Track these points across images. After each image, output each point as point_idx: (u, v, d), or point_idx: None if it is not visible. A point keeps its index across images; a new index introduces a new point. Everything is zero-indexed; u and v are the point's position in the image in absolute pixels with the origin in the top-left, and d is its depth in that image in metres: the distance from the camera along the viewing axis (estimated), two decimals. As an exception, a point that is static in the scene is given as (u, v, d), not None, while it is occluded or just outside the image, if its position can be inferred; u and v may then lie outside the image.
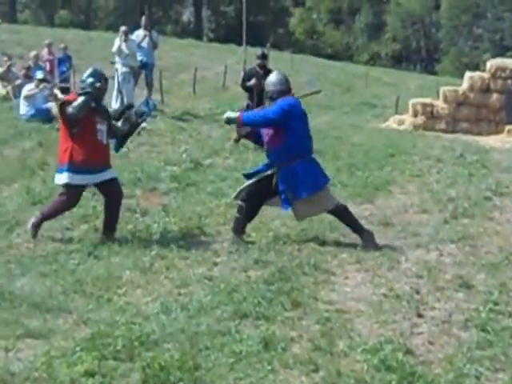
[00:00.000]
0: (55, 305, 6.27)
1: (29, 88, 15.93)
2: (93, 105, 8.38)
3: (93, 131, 8.37)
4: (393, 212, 9.90)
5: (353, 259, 7.83)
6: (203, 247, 8.33)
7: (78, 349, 5.29)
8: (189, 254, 8.00)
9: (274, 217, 9.46)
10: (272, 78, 8.69)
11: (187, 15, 56.02)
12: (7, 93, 17.68)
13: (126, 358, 5.26)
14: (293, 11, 56.45)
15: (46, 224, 8.75)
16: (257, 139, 8.95)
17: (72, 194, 8.44)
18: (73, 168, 8.30)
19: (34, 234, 8.34)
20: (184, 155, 13.38)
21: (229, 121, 8.68)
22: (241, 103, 16.41)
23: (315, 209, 8.48)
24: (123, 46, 17.13)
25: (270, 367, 5.20)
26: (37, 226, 8.38)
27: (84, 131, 8.31)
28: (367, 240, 8.29)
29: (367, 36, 55.90)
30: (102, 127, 8.48)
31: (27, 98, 15.75)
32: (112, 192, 8.56)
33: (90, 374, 4.96)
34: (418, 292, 6.85)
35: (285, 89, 8.58)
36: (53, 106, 16.23)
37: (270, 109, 8.50)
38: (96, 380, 4.94)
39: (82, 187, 8.54)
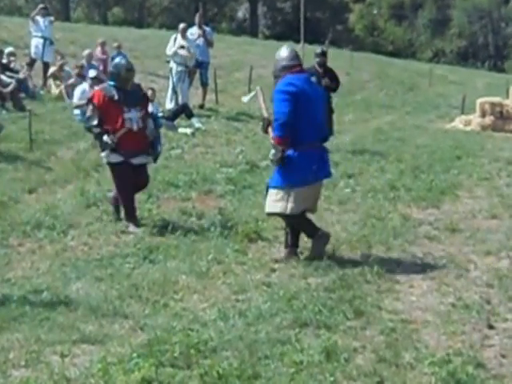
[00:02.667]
0: (111, 309, 6.35)
1: (81, 89, 16.12)
2: (115, 97, 8.99)
3: (120, 121, 8.97)
4: (460, 217, 9.79)
5: (418, 267, 7.77)
6: (260, 252, 8.35)
7: (134, 355, 5.34)
8: (246, 259, 8.04)
9: (335, 222, 9.44)
10: (276, 54, 8.12)
11: (242, 12, 56.15)
12: (60, 92, 17.94)
13: (183, 365, 5.29)
14: (352, 7, 56.19)
15: (100, 227, 8.88)
16: None
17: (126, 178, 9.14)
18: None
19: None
20: (240, 157, 13.45)
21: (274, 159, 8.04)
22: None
23: (280, 207, 7.86)
24: (183, 43, 17.23)
25: (332, 378, 5.18)
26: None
27: (111, 123, 9.00)
28: (317, 246, 7.99)
29: (431, 32, 55.35)
30: (130, 115, 9.05)
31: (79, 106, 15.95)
32: (138, 177, 9.23)
33: (147, 381, 5.00)
34: (488, 302, 6.76)
35: (286, 65, 7.91)
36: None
37: (274, 106, 7.86)
38: (153, 388, 4.98)
39: (131, 170, 9.14)
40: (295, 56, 8.02)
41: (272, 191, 7.92)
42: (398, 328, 6.10)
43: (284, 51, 8.04)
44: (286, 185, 7.80)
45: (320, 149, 7.95)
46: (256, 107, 20.05)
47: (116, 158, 9.08)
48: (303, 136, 7.75)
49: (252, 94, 9.05)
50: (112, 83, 9.13)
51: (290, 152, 7.75)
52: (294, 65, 7.92)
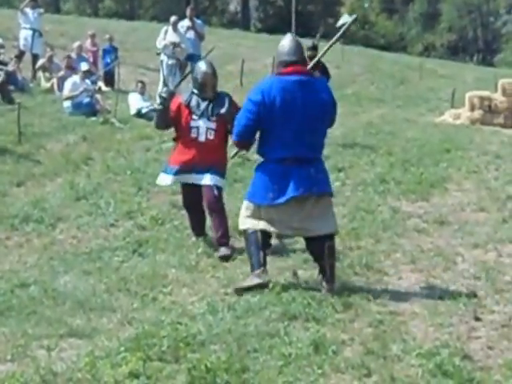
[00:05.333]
0: (99, 303, 6.32)
1: (72, 82, 16.07)
2: (185, 101, 8.21)
3: (186, 129, 8.17)
4: (449, 210, 9.78)
5: (407, 259, 7.76)
6: (250, 245, 8.32)
7: (122, 349, 5.31)
8: (235, 253, 8.01)
9: (324, 214, 9.41)
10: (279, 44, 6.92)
11: (234, 5, 56.05)
12: (52, 85, 17.86)
13: (171, 359, 5.26)
14: (343, 0, 56.21)
15: (89, 220, 8.85)
16: None
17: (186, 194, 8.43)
18: (167, 168, 8.36)
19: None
20: (231, 149, 13.38)
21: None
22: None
23: (249, 223, 6.99)
24: (173, 37, 17.18)
25: (320, 371, 5.16)
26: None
27: (180, 130, 8.26)
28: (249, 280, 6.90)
29: (421, 26, 55.40)
30: (196, 123, 8.16)
31: (69, 98, 15.89)
32: (204, 197, 8.28)
33: (134, 375, 4.97)
34: (475, 294, 6.75)
35: (282, 61, 6.76)
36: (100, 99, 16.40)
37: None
38: (140, 381, 4.94)
39: (192, 187, 8.26)
40: (296, 50, 6.77)
41: (243, 203, 7.14)
42: (386, 320, 6.09)
43: (285, 42, 6.82)
44: (250, 200, 6.97)
45: (295, 166, 6.68)
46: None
47: (174, 180, 8.39)
48: (269, 151, 6.76)
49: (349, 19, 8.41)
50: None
51: (260, 167, 6.94)
52: (291, 62, 6.70)
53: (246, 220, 6.94)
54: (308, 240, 7.01)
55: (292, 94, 6.62)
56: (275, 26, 43.93)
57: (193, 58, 18.26)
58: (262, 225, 6.84)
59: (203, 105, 8.20)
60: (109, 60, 20.26)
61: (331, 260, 6.83)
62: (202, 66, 8.34)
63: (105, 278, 7.04)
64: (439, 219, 9.24)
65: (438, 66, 33.78)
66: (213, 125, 8.17)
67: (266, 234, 6.93)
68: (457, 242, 8.41)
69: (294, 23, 21.43)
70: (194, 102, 8.19)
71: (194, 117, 8.16)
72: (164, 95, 8.19)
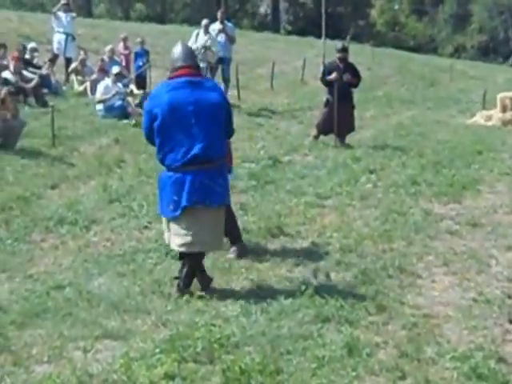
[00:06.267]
0: (133, 305, 6.35)
1: (104, 85, 16.16)
2: None
3: None
4: (481, 212, 9.70)
5: (440, 262, 7.72)
6: (283, 248, 8.34)
7: (157, 351, 5.34)
8: (268, 255, 8.01)
9: (357, 217, 9.41)
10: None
11: (264, 8, 56.04)
12: (85, 88, 17.97)
13: (205, 360, 5.29)
14: (374, 2, 55.96)
15: (122, 223, 8.89)
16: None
17: None
18: None
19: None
20: (262, 152, 13.43)
21: None
22: (320, 98, 16.37)
23: (166, 238, 6.96)
24: (204, 40, 17.25)
25: (354, 373, 5.16)
26: None
27: None
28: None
29: (451, 27, 54.99)
30: None
31: (101, 101, 15.99)
32: None
33: (169, 376, 5.00)
34: (509, 297, 6.71)
35: (174, 67, 6.74)
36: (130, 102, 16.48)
37: None
38: (176, 383, 4.98)
39: None
40: (186, 56, 6.74)
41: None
42: (419, 323, 6.07)
43: (176, 49, 6.80)
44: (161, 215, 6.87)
45: (190, 173, 6.54)
46: (278, 103, 20.08)
47: None
48: (167, 158, 6.60)
49: None
50: None
51: (159, 176, 6.86)
52: (180, 66, 6.69)
53: (170, 238, 6.83)
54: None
55: (181, 94, 6.57)
56: (305, 28, 43.91)
57: (223, 61, 18.33)
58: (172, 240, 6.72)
59: None
60: (140, 63, 20.34)
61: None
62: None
63: (138, 281, 7.06)
64: (472, 221, 9.17)
65: (468, 67, 33.57)
66: None
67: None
68: (490, 245, 8.34)
69: (324, 25, 21.40)
70: None
71: None
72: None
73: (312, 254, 8.05)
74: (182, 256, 6.88)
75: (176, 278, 6.86)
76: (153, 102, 6.69)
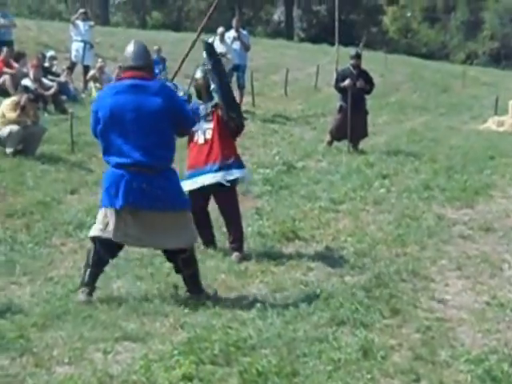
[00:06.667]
0: (152, 308, 6.36)
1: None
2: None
3: (192, 134, 8.13)
4: (494, 217, 9.70)
5: (453, 266, 7.72)
6: (298, 251, 8.37)
7: (175, 352, 5.35)
8: (283, 259, 8.03)
9: (370, 222, 9.42)
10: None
11: (278, 15, 56.07)
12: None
13: (223, 362, 5.30)
14: (386, 9, 55.92)
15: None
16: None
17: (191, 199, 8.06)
18: (186, 175, 8.26)
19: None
20: (276, 158, 13.45)
21: None
22: (333, 104, 16.38)
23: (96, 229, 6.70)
24: (220, 47, 17.30)
25: (369, 376, 5.16)
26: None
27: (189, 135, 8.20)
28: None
29: (463, 34, 54.86)
30: (197, 127, 8.03)
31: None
32: (217, 197, 8.28)
33: (188, 378, 5.01)
34: (522, 300, 6.70)
35: (123, 66, 6.79)
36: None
37: None
38: (194, 384, 5.00)
39: (197, 191, 8.12)
40: (137, 56, 6.56)
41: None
42: (433, 326, 6.08)
43: (129, 48, 6.64)
44: (100, 206, 6.71)
45: (130, 174, 6.41)
46: (292, 109, 20.10)
47: (190, 186, 8.17)
48: (113, 155, 6.48)
49: None
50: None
51: (107, 172, 6.66)
52: (129, 67, 6.57)
53: (94, 227, 6.66)
54: (164, 252, 6.89)
55: (123, 97, 6.43)
56: (318, 35, 43.90)
57: (238, 68, 18.36)
58: (107, 233, 6.50)
59: (201, 108, 8.25)
60: (157, 70, 20.40)
61: (189, 271, 6.75)
62: (196, 73, 8.41)
63: (156, 284, 7.08)
64: (484, 226, 9.17)
65: (480, 73, 33.47)
66: (210, 124, 8.16)
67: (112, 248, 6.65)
68: (503, 249, 8.34)
69: (337, 32, 21.40)
70: (195, 107, 8.22)
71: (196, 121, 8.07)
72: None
73: (326, 258, 8.08)
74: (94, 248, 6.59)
75: (176, 286, 6.83)
76: (98, 104, 6.61)
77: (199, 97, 8.35)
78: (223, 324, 5.97)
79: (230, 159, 8.16)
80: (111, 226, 6.48)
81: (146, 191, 6.41)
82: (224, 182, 8.06)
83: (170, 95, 6.60)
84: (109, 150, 6.51)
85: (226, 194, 8.18)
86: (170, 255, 6.80)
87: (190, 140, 8.29)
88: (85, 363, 5.26)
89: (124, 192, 6.39)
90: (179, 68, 8.11)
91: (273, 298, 6.83)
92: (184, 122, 6.74)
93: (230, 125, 8.15)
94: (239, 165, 8.30)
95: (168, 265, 7.68)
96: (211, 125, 8.18)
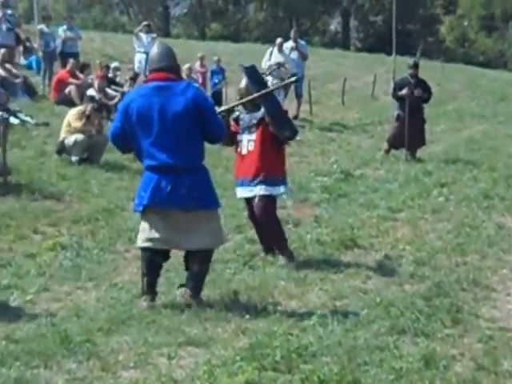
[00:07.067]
0: (213, 313, 6.35)
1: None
2: (234, 115, 8.19)
3: (236, 143, 8.20)
4: (555, 226, 9.50)
5: (514, 275, 7.57)
6: (356, 259, 8.30)
7: (237, 358, 5.32)
8: (342, 266, 7.97)
9: (429, 230, 9.31)
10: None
11: (334, 25, 55.99)
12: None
13: (284, 369, 5.25)
14: (443, 19, 55.39)
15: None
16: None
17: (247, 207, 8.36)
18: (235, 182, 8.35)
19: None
20: (334, 166, 13.39)
21: None
22: (390, 113, 16.27)
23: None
24: (278, 57, 17.35)
25: (431, 385, 5.07)
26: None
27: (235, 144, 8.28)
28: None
29: (521, 43, 54.08)
30: (240, 137, 8.11)
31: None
32: (252, 210, 8.20)
33: (250, 384, 4.99)
34: None
35: (150, 69, 6.71)
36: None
37: None
38: (256, 391, 4.97)
39: (246, 200, 8.24)
40: (161, 57, 6.57)
41: None
42: (495, 336, 5.95)
43: (153, 50, 6.72)
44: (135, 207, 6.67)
45: (159, 174, 6.40)
46: (349, 117, 20.00)
47: (237, 194, 8.41)
48: (143, 157, 6.50)
49: None
50: None
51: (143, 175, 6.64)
52: (155, 69, 6.55)
53: (138, 236, 6.67)
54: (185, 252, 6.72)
55: (148, 99, 6.38)
56: (375, 45, 43.70)
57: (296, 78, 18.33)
58: (139, 237, 6.57)
59: (246, 118, 8.15)
60: (216, 80, 20.54)
61: (199, 266, 6.60)
62: (241, 82, 8.27)
63: (218, 290, 7.07)
64: (545, 235, 8.98)
65: (538, 81, 32.86)
66: (253, 136, 8.02)
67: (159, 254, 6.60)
68: None
69: (395, 42, 21.27)
70: (240, 117, 8.17)
71: (240, 131, 8.11)
72: (223, 113, 7.81)
73: (385, 266, 8.00)
74: (143, 256, 6.62)
75: (181, 285, 6.70)
76: (124, 105, 6.53)
77: (244, 105, 8.20)
78: (284, 330, 5.92)
79: (271, 174, 8.00)
80: (144, 234, 6.51)
81: (175, 191, 6.36)
82: (260, 198, 7.96)
83: (195, 95, 6.46)
84: (141, 153, 6.49)
85: (262, 207, 8.02)
86: (188, 255, 6.67)
87: (236, 148, 8.25)
88: (149, 368, 5.26)
89: (151, 192, 6.37)
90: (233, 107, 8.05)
91: (332, 305, 6.77)
92: (210, 126, 6.55)
93: (281, 138, 8.05)
94: (280, 181, 8.13)
95: (229, 271, 7.71)
96: (254, 136, 8.05)
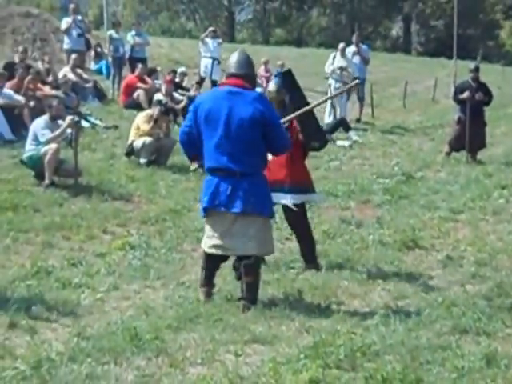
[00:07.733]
0: (278, 312, 6.35)
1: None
2: None
3: None
4: None
5: None
6: (418, 260, 8.22)
7: (301, 356, 5.32)
8: (404, 267, 7.91)
9: (490, 232, 9.18)
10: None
11: (396, 30, 55.52)
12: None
13: (348, 367, 5.23)
14: (503, 24, 54.48)
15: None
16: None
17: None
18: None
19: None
20: (395, 168, 13.29)
21: None
22: (450, 116, 16.08)
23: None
24: (341, 62, 17.30)
25: (493, 384, 4.99)
26: None
27: None
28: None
29: None
30: None
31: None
32: (289, 218, 8.06)
33: (314, 381, 4.95)
34: None
35: (226, 74, 6.72)
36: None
37: None
38: (320, 388, 4.95)
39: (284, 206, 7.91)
40: (239, 64, 6.51)
41: None
42: (558, 337, 5.83)
43: (232, 56, 6.62)
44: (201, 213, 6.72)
45: (219, 177, 6.40)
46: (410, 120, 19.79)
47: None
48: (205, 159, 6.50)
49: None
50: None
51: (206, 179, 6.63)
52: (230, 75, 6.54)
53: (203, 239, 6.79)
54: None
55: (219, 102, 6.35)
56: (436, 49, 43.16)
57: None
58: (203, 241, 6.70)
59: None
60: (280, 84, 20.50)
61: (248, 278, 6.49)
62: (270, 85, 8.09)
63: (282, 288, 7.07)
64: None
65: None
66: None
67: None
68: None
69: (456, 46, 21.00)
70: None
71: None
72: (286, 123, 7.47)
73: (447, 267, 7.91)
74: (205, 254, 6.72)
75: (239, 299, 6.60)
76: (196, 105, 6.55)
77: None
78: (347, 329, 5.89)
79: (299, 182, 7.78)
80: (208, 239, 6.61)
81: (234, 194, 6.35)
82: (290, 205, 7.73)
83: (263, 107, 6.40)
84: (204, 155, 6.50)
85: (294, 213, 7.85)
86: (238, 260, 6.66)
87: None
88: (216, 364, 5.29)
89: (210, 195, 6.41)
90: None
91: (395, 305, 6.72)
92: (275, 140, 6.49)
93: (307, 146, 7.86)
94: (308, 189, 7.92)
95: (293, 271, 7.70)
96: None
